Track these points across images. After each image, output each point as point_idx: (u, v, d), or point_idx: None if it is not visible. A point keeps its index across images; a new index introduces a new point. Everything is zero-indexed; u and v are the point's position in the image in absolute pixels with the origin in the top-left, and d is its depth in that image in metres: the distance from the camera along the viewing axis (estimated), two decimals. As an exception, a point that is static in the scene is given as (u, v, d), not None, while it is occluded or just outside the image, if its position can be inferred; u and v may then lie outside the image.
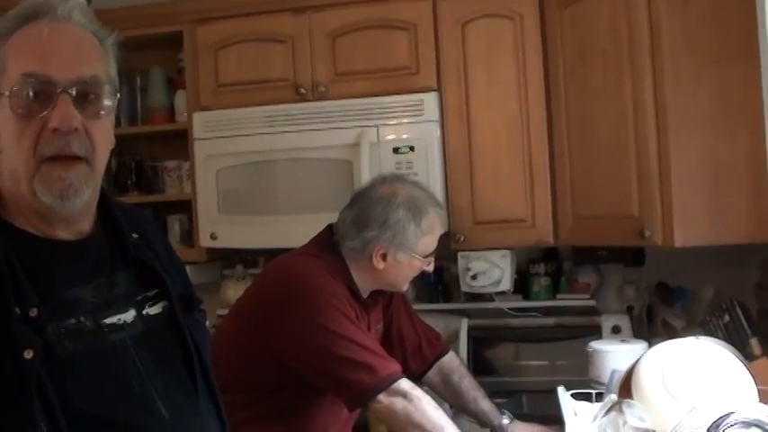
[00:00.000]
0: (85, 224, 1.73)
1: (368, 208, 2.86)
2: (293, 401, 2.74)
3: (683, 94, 3.10)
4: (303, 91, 3.87)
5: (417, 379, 3.06)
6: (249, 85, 3.93)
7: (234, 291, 4.13)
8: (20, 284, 1.56)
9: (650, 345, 3.09)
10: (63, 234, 1.69)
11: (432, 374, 3.17)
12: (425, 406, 2.65)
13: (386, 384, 2.63)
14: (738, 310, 3.23)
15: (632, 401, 2.57)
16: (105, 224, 1.78)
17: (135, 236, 1.80)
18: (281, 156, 3.85)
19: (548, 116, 3.66)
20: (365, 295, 2.91)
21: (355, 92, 3.82)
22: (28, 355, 1.50)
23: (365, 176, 3.60)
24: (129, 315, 1.71)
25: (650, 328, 3.87)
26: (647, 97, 3.16)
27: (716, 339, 2.89)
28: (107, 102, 1.67)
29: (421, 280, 3.12)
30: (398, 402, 2.63)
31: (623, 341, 3.38)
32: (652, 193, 3.15)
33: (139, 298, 1.75)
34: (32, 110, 1.60)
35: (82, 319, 1.63)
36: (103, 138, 1.68)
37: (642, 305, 3.94)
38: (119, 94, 1.73)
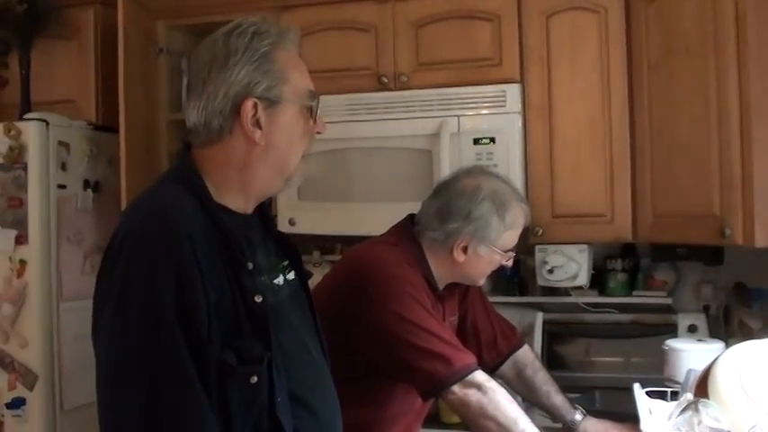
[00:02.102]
0: None
1: (452, 200, 2.86)
2: (366, 390, 2.75)
3: (768, 93, 3.06)
4: (385, 80, 3.89)
5: (491, 372, 3.05)
6: (331, 72, 3.94)
7: (312, 277, 4.15)
8: (242, 245, 1.93)
9: (727, 345, 3.06)
10: (247, 209, 2.06)
11: (506, 368, 3.16)
12: (500, 398, 2.65)
13: (461, 376, 2.63)
14: (817, 312, 3.20)
15: (708, 401, 2.54)
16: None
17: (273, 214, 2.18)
18: (361, 144, 3.88)
19: (630, 111, 3.63)
20: (441, 287, 2.91)
21: (437, 82, 3.83)
22: (258, 299, 1.90)
23: (444, 167, 3.62)
24: (281, 279, 2.10)
25: (726, 329, 3.82)
26: (731, 94, 3.11)
27: (795, 342, 2.85)
28: None
29: (497, 273, 3.12)
30: (473, 394, 2.63)
31: (700, 340, 3.35)
32: (734, 192, 3.11)
33: (281, 266, 2.13)
34: (311, 118, 2.06)
35: (264, 278, 2.00)
36: None
37: (719, 305, 3.91)
38: None
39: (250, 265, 1.93)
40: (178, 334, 1.78)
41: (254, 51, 1.96)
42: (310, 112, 2.05)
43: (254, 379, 1.86)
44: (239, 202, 2.03)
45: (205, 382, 1.80)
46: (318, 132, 2.10)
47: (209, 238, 1.88)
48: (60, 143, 4.07)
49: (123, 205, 3.90)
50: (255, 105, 1.95)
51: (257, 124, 1.96)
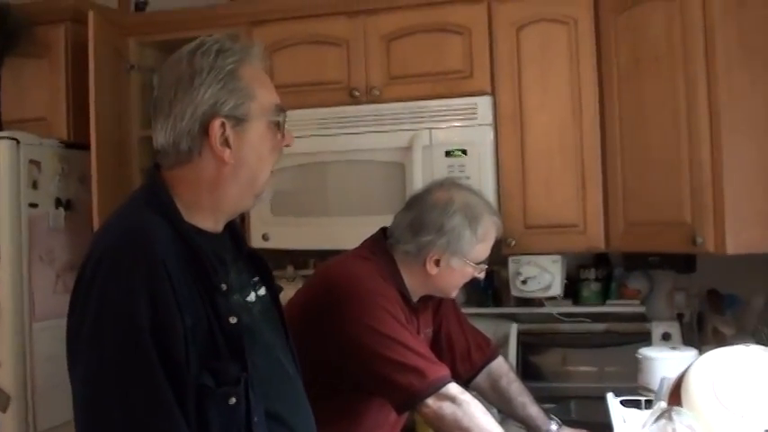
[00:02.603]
0: None
1: (424, 213, 2.87)
2: (341, 404, 2.75)
3: (737, 101, 3.08)
4: (357, 94, 3.89)
5: (466, 384, 3.06)
6: (303, 87, 3.95)
7: (285, 292, 4.14)
8: (215, 266, 1.94)
9: (700, 352, 3.07)
10: (217, 228, 2.06)
11: (480, 379, 3.17)
12: (474, 410, 2.65)
13: (435, 388, 2.64)
14: (790, 318, 3.21)
15: (682, 409, 2.55)
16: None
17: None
18: (333, 158, 3.88)
19: (601, 122, 3.65)
20: (415, 300, 2.92)
21: (409, 95, 3.83)
22: (233, 320, 1.90)
23: (417, 179, 3.62)
24: (252, 296, 2.10)
25: (700, 336, 3.85)
26: (701, 103, 3.14)
27: (767, 347, 2.87)
28: None
29: (471, 284, 3.12)
30: (447, 407, 2.63)
31: (673, 348, 3.36)
32: (704, 200, 3.13)
33: (252, 281, 2.13)
34: (279, 132, 2.05)
35: (237, 297, 2.00)
36: None
37: (692, 312, 3.93)
38: None
39: (224, 287, 1.93)
40: (154, 359, 1.77)
41: (220, 70, 1.96)
42: (278, 127, 2.04)
43: (233, 400, 1.86)
44: (210, 221, 2.03)
45: (183, 405, 1.79)
46: (287, 145, 2.09)
47: (182, 260, 1.88)
48: (31, 161, 4.04)
49: (96, 223, 3.88)
50: (223, 124, 1.95)
51: (226, 143, 1.96)
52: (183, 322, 1.81)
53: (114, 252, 1.86)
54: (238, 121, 1.97)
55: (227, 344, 1.88)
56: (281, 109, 2.05)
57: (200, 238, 1.96)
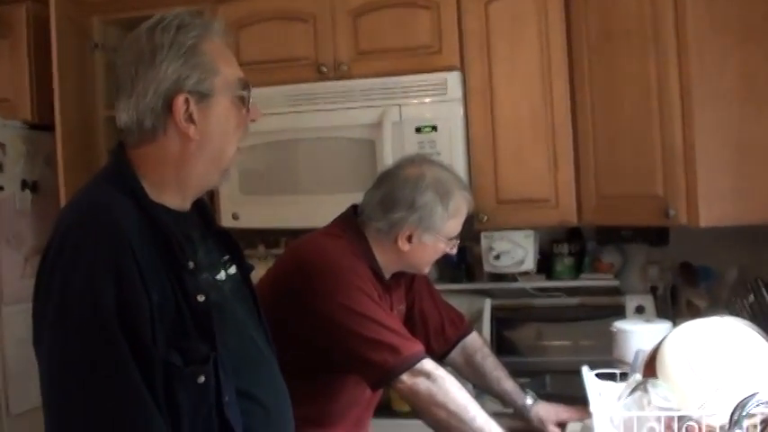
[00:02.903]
0: None
1: (395, 189, 2.85)
2: (316, 382, 2.74)
3: (708, 73, 3.08)
4: (325, 70, 3.86)
5: (440, 359, 3.05)
6: (270, 63, 3.92)
7: (256, 271, 4.11)
8: (182, 244, 1.92)
9: (674, 325, 3.06)
10: (184, 206, 2.04)
11: (454, 355, 3.17)
12: (448, 386, 2.64)
13: (409, 364, 2.63)
14: (763, 289, 3.23)
15: (657, 381, 2.55)
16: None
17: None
18: (302, 135, 3.86)
19: (571, 95, 3.63)
20: (387, 276, 2.90)
21: (377, 71, 3.80)
22: (200, 298, 1.88)
23: (387, 156, 3.60)
24: (222, 274, 2.09)
25: (674, 309, 3.85)
26: (672, 76, 3.15)
27: (740, 319, 2.87)
28: None
29: (444, 260, 3.12)
30: (421, 382, 2.63)
31: (647, 321, 3.36)
32: (677, 173, 3.14)
33: (222, 261, 2.11)
34: (243, 107, 2.02)
35: (206, 275, 1.99)
36: None
37: (666, 285, 3.93)
38: None
39: (191, 264, 1.91)
40: (120, 337, 1.75)
41: (181, 45, 1.93)
42: (243, 102, 2.02)
43: (202, 379, 1.85)
44: (177, 199, 2.00)
45: (151, 384, 1.77)
46: (252, 120, 2.06)
47: (149, 239, 1.86)
48: (-5, 143, 4.00)
49: (62, 205, 3.84)
50: (187, 100, 1.92)
51: (190, 119, 1.93)
52: (150, 300, 1.79)
53: (77, 230, 1.84)
54: (202, 96, 1.94)
55: (194, 322, 1.86)
56: (246, 83, 2.03)
57: (167, 216, 1.94)
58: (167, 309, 1.83)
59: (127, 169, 1.96)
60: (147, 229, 1.87)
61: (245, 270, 2.20)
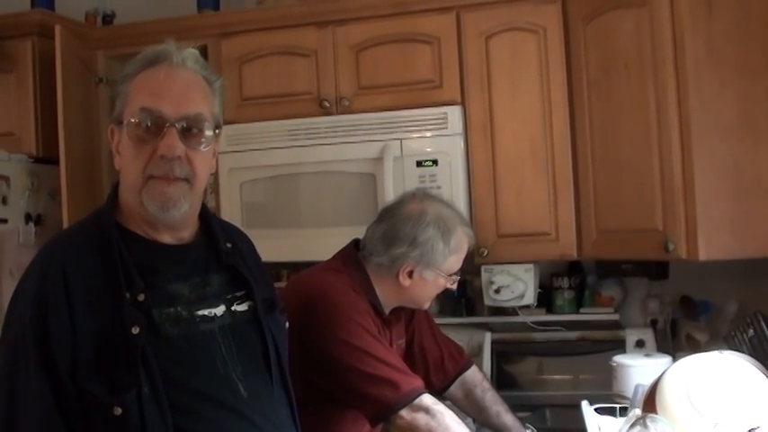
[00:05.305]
0: (186, 232, 2.10)
1: (397, 225, 2.86)
2: (315, 417, 2.73)
3: (706, 108, 3.10)
4: (327, 104, 3.88)
5: (440, 394, 3.05)
6: (273, 98, 3.95)
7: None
8: (130, 274, 1.92)
9: (674, 359, 3.07)
10: (167, 239, 2.05)
11: (454, 389, 3.16)
12: (448, 421, 2.64)
13: (408, 400, 2.63)
14: (763, 324, 3.23)
15: (656, 416, 2.55)
16: (205, 234, 2.15)
17: (228, 245, 2.17)
18: (304, 169, 3.87)
19: (571, 130, 3.65)
20: (387, 311, 2.91)
21: (379, 105, 3.83)
22: (135, 330, 1.87)
23: (388, 190, 3.61)
24: (220, 309, 2.06)
25: (674, 343, 3.86)
26: (671, 111, 3.16)
27: (740, 353, 2.87)
28: (208, 133, 2.02)
29: (444, 294, 3.12)
30: (421, 418, 2.63)
31: (647, 355, 3.36)
32: (676, 207, 3.15)
33: (229, 296, 2.10)
34: (146, 138, 1.96)
35: (179, 308, 1.98)
36: (203, 164, 2.04)
37: (666, 319, 3.93)
38: (219, 130, 2.09)
39: (141, 297, 1.92)
40: (34, 364, 1.83)
41: (123, 77, 2.03)
42: (139, 127, 1.97)
43: (118, 411, 1.84)
44: (140, 227, 2.04)
45: (67, 412, 1.83)
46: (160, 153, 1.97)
47: (100, 266, 1.93)
48: (0, 177, 4.00)
49: (65, 238, 3.85)
50: (112, 130, 2.04)
51: (117, 150, 2.03)
52: (75, 330, 1.84)
53: (31, 261, 2.00)
54: (117, 124, 2.02)
55: (126, 354, 1.87)
56: (145, 110, 1.96)
57: (136, 245, 2.00)
58: (104, 337, 1.87)
59: (110, 196, 2.09)
60: (103, 259, 1.94)
61: (268, 308, 2.19)
